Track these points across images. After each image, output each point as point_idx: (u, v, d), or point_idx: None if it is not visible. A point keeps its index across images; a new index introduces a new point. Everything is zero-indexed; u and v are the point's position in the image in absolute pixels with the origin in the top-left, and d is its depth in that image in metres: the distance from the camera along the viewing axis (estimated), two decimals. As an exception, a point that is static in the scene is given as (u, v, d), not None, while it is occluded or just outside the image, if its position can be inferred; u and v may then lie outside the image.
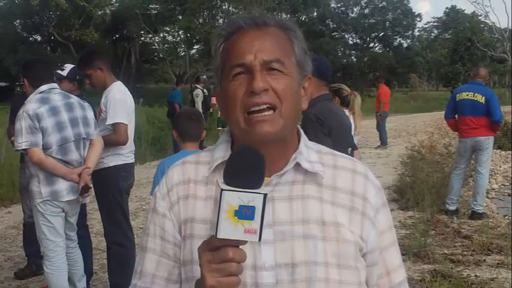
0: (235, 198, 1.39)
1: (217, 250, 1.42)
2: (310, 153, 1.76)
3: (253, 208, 1.39)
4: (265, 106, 1.62)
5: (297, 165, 1.71)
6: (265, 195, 1.40)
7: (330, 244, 1.66)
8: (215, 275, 1.42)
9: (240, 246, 1.43)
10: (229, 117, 1.70)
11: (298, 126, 1.80)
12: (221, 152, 1.75)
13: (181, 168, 1.82)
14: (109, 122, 5.97)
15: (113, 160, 6.05)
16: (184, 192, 1.76)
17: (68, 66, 6.78)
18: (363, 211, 1.73)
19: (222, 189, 1.40)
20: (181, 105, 17.67)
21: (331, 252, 1.66)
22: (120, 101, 6.05)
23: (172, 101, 17.71)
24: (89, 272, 6.42)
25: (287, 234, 1.65)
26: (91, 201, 6.37)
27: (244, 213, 1.39)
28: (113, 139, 5.95)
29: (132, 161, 6.36)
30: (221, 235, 1.40)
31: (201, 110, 17.21)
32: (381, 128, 20.72)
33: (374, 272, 1.77)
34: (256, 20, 1.72)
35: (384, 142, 20.64)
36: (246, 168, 1.43)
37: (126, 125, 6.04)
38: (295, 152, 1.73)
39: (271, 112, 1.63)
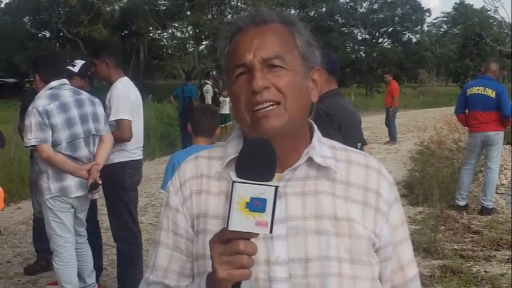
0: (246, 190, 1.39)
1: (229, 242, 1.42)
2: (323, 148, 1.75)
3: (264, 200, 1.39)
4: (268, 104, 1.63)
5: (310, 160, 1.71)
6: (276, 187, 1.40)
7: (343, 239, 1.66)
8: (226, 267, 1.42)
9: (253, 240, 1.43)
10: (237, 117, 1.71)
11: (312, 121, 1.79)
12: (234, 148, 1.75)
13: (194, 163, 1.82)
14: (112, 118, 5.96)
15: (118, 156, 6.04)
16: (197, 187, 1.76)
17: (79, 63, 6.79)
18: (376, 206, 1.73)
19: (233, 181, 1.40)
20: (188, 101, 17.56)
21: (344, 248, 1.66)
22: (123, 97, 6.04)
23: (189, 97, 17.63)
24: (98, 267, 6.43)
25: (300, 229, 1.65)
26: (100, 197, 6.37)
27: (256, 205, 1.39)
28: (116, 135, 5.92)
29: (139, 157, 6.34)
30: (232, 227, 1.40)
31: (211, 106, 17.16)
32: (391, 123, 20.69)
33: (387, 267, 1.77)
34: (254, 18, 1.72)
35: (393, 137, 20.62)
36: (258, 161, 1.43)
37: (130, 121, 6.03)
38: (308, 146, 1.72)
39: (275, 106, 1.63)
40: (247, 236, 1.42)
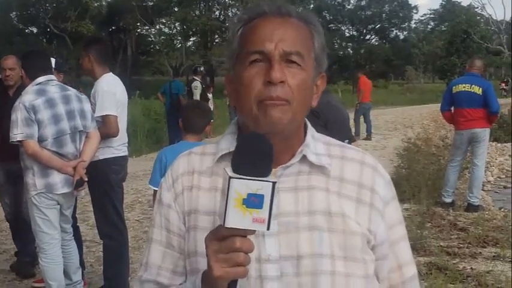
0: (243, 186, 1.36)
1: (225, 240, 1.40)
2: (317, 145, 1.74)
3: (261, 196, 1.36)
4: (278, 101, 1.59)
5: (303, 158, 1.69)
6: (274, 183, 1.37)
7: (336, 235, 1.64)
8: (222, 265, 1.40)
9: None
10: (240, 104, 1.66)
11: (305, 118, 1.77)
12: (226, 143, 1.73)
13: (187, 158, 1.80)
14: (97, 114, 5.92)
15: (103, 153, 6.01)
16: (189, 183, 1.75)
17: (52, 60, 6.77)
18: (370, 203, 1.70)
19: (230, 177, 1.37)
20: (175, 98, 17.53)
21: (337, 244, 1.64)
22: (107, 93, 6.01)
23: (176, 93, 17.62)
24: (80, 263, 6.39)
25: (292, 225, 1.63)
26: (87, 194, 6.35)
27: (252, 201, 1.36)
28: (102, 131, 5.90)
29: (124, 154, 6.31)
30: (229, 224, 1.37)
31: (199, 102, 17.16)
32: (366, 120, 20.74)
33: (384, 265, 1.75)
34: (280, 8, 1.67)
35: (368, 131, 20.66)
36: (255, 156, 1.41)
37: (116, 116, 6.00)
38: (302, 144, 1.71)
39: (282, 102, 1.60)
40: (243, 233, 1.40)
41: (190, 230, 1.71)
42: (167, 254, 1.76)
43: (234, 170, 1.40)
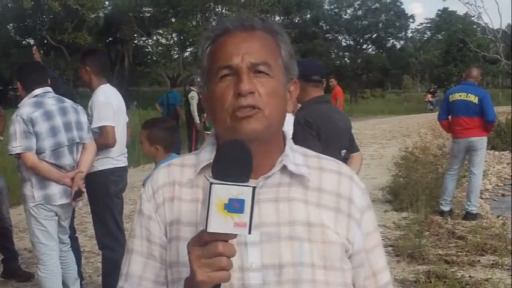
0: (224, 191, 1.40)
1: (207, 245, 1.43)
2: (295, 156, 1.77)
3: (242, 201, 1.40)
4: (250, 109, 1.63)
5: (283, 168, 1.72)
6: (254, 187, 1.41)
7: (316, 245, 1.68)
8: (206, 270, 1.43)
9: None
10: (215, 118, 1.71)
11: (284, 130, 1.80)
12: (207, 155, 1.76)
13: (167, 170, 1.82)
14: (95, 125, 5.94)
15: (102, 164, 6.04)
16: (170, 194, 1.77)
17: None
18: (348, 213, 1.75)
19: (211, 183, 1.40)
20: (172, 108, 17.56)
21: (317, 254, 1.67)
22: (103, 104, 6.05)
23: (173, 104, 17.64)
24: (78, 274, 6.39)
25: (273, 235, 1.66)
26: (85, 205, 6.35)
27: (234, 206, 1.40)
28: (100, 142, 5.92)
29: (124, 164, 6.34)
30: (211, 229, 1.40)
31: (196, 112, 17.21)
32: None
33: (360, 273, 1.79)
34: (243, 22, 1.73)
35: None
36: (235, 162, 1.44)
37: (113, 127, 6.03)
38: (281, 155, 1.74)
39: (255, 110, 1.64)
40: (225, 238, 1.43)
41: (172, 240, 1.73)
42: (148, 264, 1.78)
43: (215, 176, 1.43)
